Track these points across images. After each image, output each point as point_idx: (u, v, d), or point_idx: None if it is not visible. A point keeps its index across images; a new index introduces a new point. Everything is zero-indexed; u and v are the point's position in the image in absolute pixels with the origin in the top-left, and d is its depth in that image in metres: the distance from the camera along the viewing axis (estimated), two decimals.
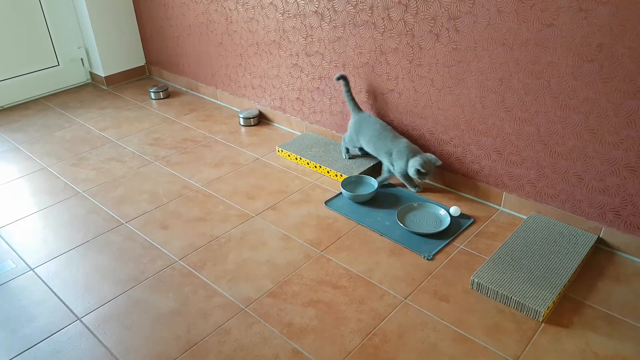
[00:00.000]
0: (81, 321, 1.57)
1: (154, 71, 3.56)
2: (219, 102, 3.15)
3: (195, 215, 2.06)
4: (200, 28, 2.99)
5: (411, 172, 2.02)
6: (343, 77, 2.21)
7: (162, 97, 3.23)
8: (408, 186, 2.16)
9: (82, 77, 3.47)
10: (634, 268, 1.71)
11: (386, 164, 2.16)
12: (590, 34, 1.56)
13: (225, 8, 2.76)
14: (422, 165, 1.98)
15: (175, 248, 1.88)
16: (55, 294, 1.68)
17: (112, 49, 3.36)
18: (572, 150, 1.76)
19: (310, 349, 1.45)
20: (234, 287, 1.68)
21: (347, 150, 2.36)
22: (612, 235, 1.78)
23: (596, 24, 1.54)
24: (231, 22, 2.77)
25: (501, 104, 1.87)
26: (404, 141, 2.09)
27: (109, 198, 2.20)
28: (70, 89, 3.41)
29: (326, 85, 2.45)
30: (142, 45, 3.52)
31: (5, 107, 3.14)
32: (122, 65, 3.45)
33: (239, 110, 2.98)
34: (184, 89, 3.37)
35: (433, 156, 2.02)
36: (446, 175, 2.17)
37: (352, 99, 2.24)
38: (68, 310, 1.62)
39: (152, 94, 3.21)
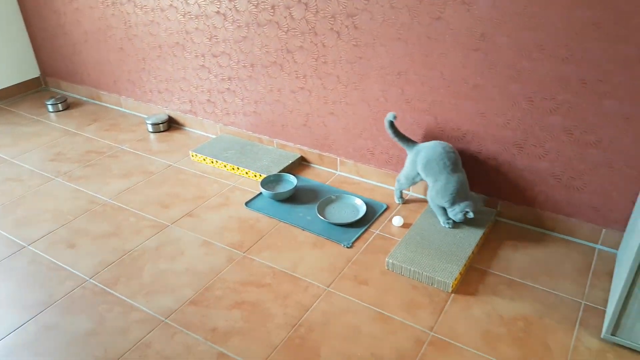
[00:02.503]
0: None
1: (50, 82, 3.33)
2: (123, 110, 3.01)
3: (104, 231, 1.96)
4: (97, 34, 2.84)
5: (458, 216, 1.80)
6: (390, 124, 1.92)
7: (60, 109, 3.03)
8: (439, 217, 1.89)
9: None
10: (528, 235, 1.89)
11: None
12: (474, 24, 1.69)
13: (122, 12, 2.65)
14: (473, 211, 1.79)
15: (84, 267, 1.78)
16: None
17: (2, 62, 3.09)
18: (465, 134, 1.90)
19: (237, 350, 1.44)
20: (152, 300, 1.63)
21: (401, 194, 2.08)
22: (508, 208, 1.94)
23: (478, 15, 1.67)
24: (130, 26, 2.66)
25: (401, 96, 1.97)
26: (459, 177, 1.81)
27: (8, 221, 2.03)
28: None
29: (236, 85, 2.44)
30: (35, 55, 3.28)
31: None
32: (14, 78, 3.19)
33: (145, 116, 2.87)
34: (84, 98, 3.18)
35: (479, 199, 1.85)
36: (360, 167, 2.24)
37: (403, 137, 1.94)
38: None
39: (50, 107, 3.00)
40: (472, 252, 1.76)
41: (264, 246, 1.86)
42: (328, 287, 1.67)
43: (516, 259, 1.77)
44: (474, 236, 1.82)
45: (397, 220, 1.95)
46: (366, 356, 1.42)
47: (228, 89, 2.48)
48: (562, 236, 1.87)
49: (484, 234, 1.85)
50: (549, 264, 1.74)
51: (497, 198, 1.96)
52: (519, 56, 1.65)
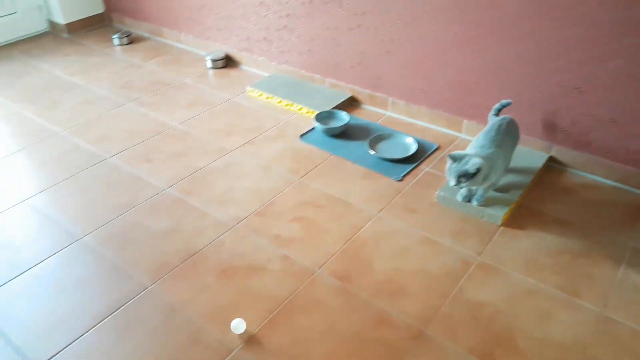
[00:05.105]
0: (82, 240, 1.67)
1: (114, 18, 3.49)
2: (183, 46, 3.16)
3: (176, 150, 2.15)
4: None
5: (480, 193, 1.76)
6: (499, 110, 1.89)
7: (125, 42, 3.19)
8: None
9: (40, 26, 3.36)
10: (580, 181, 1.96)
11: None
12: None
13: None
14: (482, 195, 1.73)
15: (161, 178, 1.97)
16: (52, 220, 1.76)
17: None
18: (526, 78, 1.95)
19: (298, 254, 1.62)
20: (223, 209, 1.81)
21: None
22: (562, 153, 2.01)
23: None
24: None
25: (463, 34, 2.02)
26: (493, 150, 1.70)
27: (89, 137, 2.24)
28: (30, 37, 3.31)
29: (294, 23, 2.52)
30: None
31: None
32: (81, 12, 3.36)
33: (204, 53, 3.01)
34: (146, 34, 3.33)
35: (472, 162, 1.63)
36: (411, 107, 2.33)
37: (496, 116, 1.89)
38: (67, 232, 1.71)
39: (116, 40, 3.18)
40: (524, 192, 1.85)
41: (317, 174, 2.01)
42: (378, 212, 1.81)
43: (566, 202, 1.85)
44: (526, 178, 1.90)
45: (237, 326, 1.35)
46: (415, 270, 1.57)
47: (285, 26, 2.57)
48: (615, 184, 1.92)
49: (536, 175, 1.93)
50: (599, 209, 1.80)
51: (551, 142, 2.02)
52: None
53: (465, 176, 1.61)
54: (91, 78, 2.77)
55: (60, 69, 2.87)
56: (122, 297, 1.48)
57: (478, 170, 1.60)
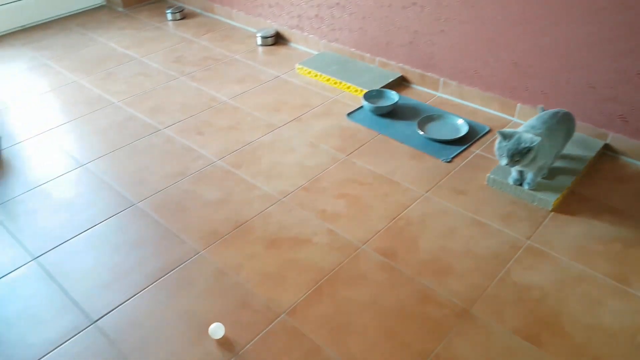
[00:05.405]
0: (137, 206, 1.75)
1: None
2: (234, 23, 3.19)
3: (226, 125, 2.19)
4: None
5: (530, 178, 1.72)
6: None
7: (178, 18, 3.26)
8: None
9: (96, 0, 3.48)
10: (636, 170, 1.88)
11: None
12: None
13: None
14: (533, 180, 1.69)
15: (212, 151, 2.03)
16: (109, 185, 1.85)
17: None
18: (586, 60, 1.87)
19: (343, 230, 1.64)
20: (270, 182, 1.85)
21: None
22: (619, 141, 1.93)
23: None
24: None
25: (521, 15, 1.95)
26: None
27: (144, 108, 2.32)
28: (86, 10, 3.43)
29: (347, 0, 2.50)
30: None
31: (27, 26, 3.18)
32: None
33: (255, 30, 3.03)
34: (198, 10, 3.39)
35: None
36: (463, 89, 2.28)
37: None
38: (124, 197, 1.79)
39: (169, 15, 3.25)
40: (576, 178, 1.79)
41: (364, 153, 2.01)
42: (426, 192, 1.80)
43: (620, 191, 1.78)
44: (579, 164, 1.84)
45: (216, 330, 1.31)
46: (462, 251, 1.56)
47: (337, 3, 2.55)
48: None
49: (590, 163, 1.87)
50: None
51: (607, 129, 1.94)
52: None
53: (518, 153, 1.57)
54: (145, 51, 2.85)
55: (115, 42, 2.97)
56: (176, 260, 1.54)
57: (530, 148, 1.56)
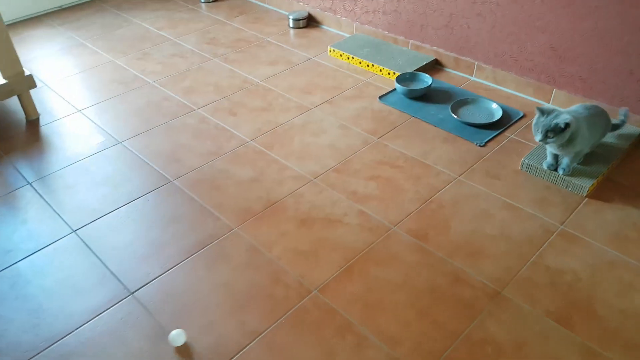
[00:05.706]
0: (173, 183, 1.79)
1: None
2: (266, 5, 3.19)
3: (258, 106, 2.21)
4: None
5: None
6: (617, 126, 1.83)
7: (211, 0, 3.28)
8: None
9: None
10: None
11: None
12: None
13: None
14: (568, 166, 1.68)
15: (245, 131, 2.05)
16: (146, 162, 1.90)
17: None
18: (627, 46, 1.81)
19: (374, 211, 1.64)
20: (302, 163, 1.86)
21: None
22: None
23: None
24: None
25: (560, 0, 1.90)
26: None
27: (179, 88, 2.36)
28: None
29: None
30: None
31: (64, 7, 3.25)
32: None
33: (287, 12, 3.03)
34: None
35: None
36: (498, 73, 2.24)
37: None
38: (161, 174, 1.84)
39: None
40: (612, 165, 1.75)
41: (396, 135, 2.00)
42: (459, 176, 1.78)
43: None
44: (616, 151, 1.80)
45: (176, 337, 1.27)
46: (495, 234, 1.55)
47: None
48: None
49: (627, 150, 1.82)
50: None
51: None
52: None
53: (554, 130, 1.55)
54: (178, 33, 2.88)
55: (150, 23, 3.01)
56: (211, 236, 1.58)
57: (567, 126, 1.54)
